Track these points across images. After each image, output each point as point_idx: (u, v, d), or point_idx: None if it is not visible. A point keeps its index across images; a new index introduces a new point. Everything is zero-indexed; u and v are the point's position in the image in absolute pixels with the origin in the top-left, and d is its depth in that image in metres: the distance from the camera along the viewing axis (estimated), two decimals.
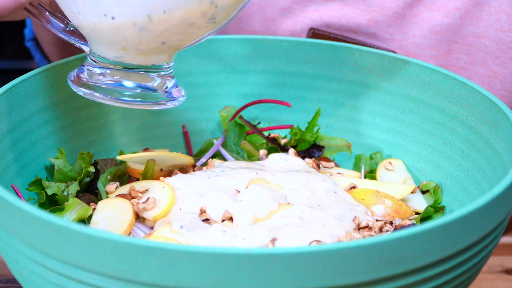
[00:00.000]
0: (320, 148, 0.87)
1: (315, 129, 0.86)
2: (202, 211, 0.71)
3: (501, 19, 0.95)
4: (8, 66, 1.94)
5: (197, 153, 0.89)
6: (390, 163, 0.83)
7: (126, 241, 0.53)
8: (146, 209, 0.71)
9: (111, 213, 0.71)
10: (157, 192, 0.73)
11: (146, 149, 0.86)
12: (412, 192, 0.79)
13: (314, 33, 0.99)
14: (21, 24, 1.17)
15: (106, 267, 0.55)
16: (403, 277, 0.56)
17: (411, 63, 0.82)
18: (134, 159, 0.78)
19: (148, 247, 0.53)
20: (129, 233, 0.70)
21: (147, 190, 0.74)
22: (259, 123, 0.88)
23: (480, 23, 0.96)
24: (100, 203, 0.73)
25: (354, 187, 0.78)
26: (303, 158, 0.85)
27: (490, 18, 0.95)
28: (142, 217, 0.72)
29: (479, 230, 0.59)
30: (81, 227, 0.54)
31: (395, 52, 0.98)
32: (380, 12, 0.97)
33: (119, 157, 0.78)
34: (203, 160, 0.86)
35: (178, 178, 0.76)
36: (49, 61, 1.11)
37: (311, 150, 0.87)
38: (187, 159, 0.82)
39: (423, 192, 0.80)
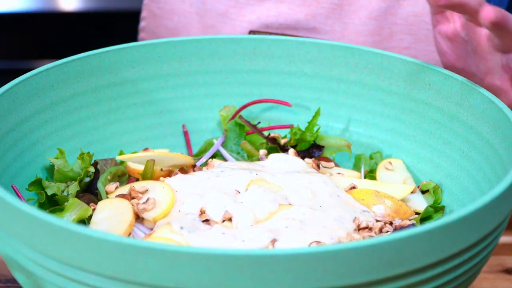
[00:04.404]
0: (320, 148, 0.87)
1: (315, 128, 0.86)
2: (202, 212, 0.71)
3: None
4: (8, 66, 1.94)
5: (197, 153, 0.89)
6: (390, 163, 0.83)
7: (126, 242, 0.53)
8: (146, 209, 0.71)
9: (111, 214, 0.71)
10: (157, 192, 0.73)
11: (146, 149, 0.86)
12: (412, 192, 0.79)
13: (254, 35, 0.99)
14: (20, 24, 1.17)
15: (105, 268, 0.55)
16: (403, 278, 0.56)
17: (411, 62, 0.82)
18: (134, 159, 0.78)
19: (147, 248, 0.53)
20: (129, 234, 0.70)
21: (147, 190, 0.74)
22: (259, 123, 0.88)
23: (419, 1, 0.96)
24: (100, 203, 0.73)
25: (354, 187, 0.78)
26: (303, 158, 0.85)
27: None
28: (142, 218, 0.72)
29: (479, 230, 0.59)
30: (80, 228, 0.54)
31: None
32: (317, 5, 0.97)
33: (119, 157, 0.78)
34: (203, 160, 0.85)
35: (178, 179, 0.76)
36: None
37: (311, 150, 0.87)
38: (187, 159, 0.82)
39: (423, 192, 0.80)
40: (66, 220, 0.59)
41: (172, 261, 0.53)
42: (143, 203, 0.71)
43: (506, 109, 0.72)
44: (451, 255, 0.57)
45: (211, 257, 0.52)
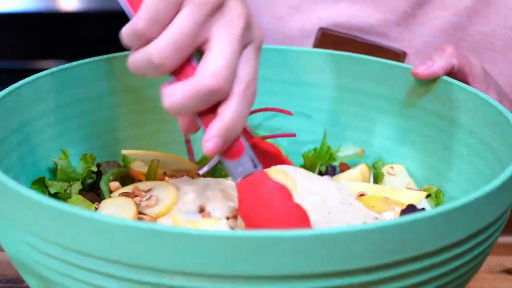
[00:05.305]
0: (334, 167, 0.86)
1: (325, 149, 0.87)
2: (202, 209, 0.71)
3: (509, 18, 0.97)
4: (8, 66, 1.96)
5: (199, 161, 0.89)
6: (392, 167, 0.83)
7: (130, 225, 0.53)
8: (149, 205, 0.71)
9: (114, 211, 0.71)
10: (161, 190, 0.73)
11: None
12: None
13: (323, 33, 1.00)
14: (20, 24, 1.19)
15: (109, 252, 0.55)
16: (402, 264, 0.56)
17: (410, 70, 0.83)
18: (139, 155, 0.79)
19: (151, 230, 0.53)
20: None
21: (150, 189, 0.74)
22: (258, 134, 0.88)
23: (488, 21, 0.98)
24: (103, 202, 0.73)
25: (363, 194, 0.78)
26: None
27: (498, 17, 0.97)
28: (143, 217, 0.72)
29: (482, 218, 0.59)
30: (84, 212, 0.54)
31: (404, 52, 0.99)
32: (391, 12, 0.98)
33: (123, 151, 0.79)
34: (205, 168, 0.86)
35: (181, 180, 0.76)
36: None
37: (327, 173, 0.86)
38: (191, 165, 0.82)
39: (425, 197, 0.80)
40: (71, 206, 0.59)
41: (176, 243, 0.53)
42: (146, 199, 0.72)
43: (506, 112, 0.73)
44: (454, 242, 0.57)
45: (215, 239, 0.52)
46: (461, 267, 0.60)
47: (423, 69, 0.81)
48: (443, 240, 0.57)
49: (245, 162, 0.65)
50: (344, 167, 0.85)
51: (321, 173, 0.87)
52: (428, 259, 0.57)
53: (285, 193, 0.65)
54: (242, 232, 0.53)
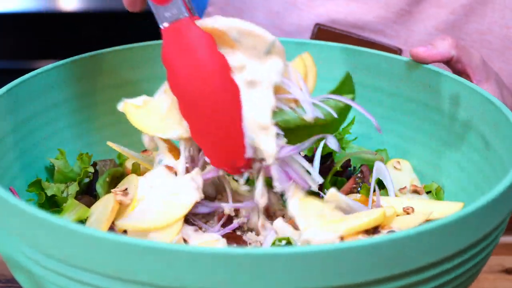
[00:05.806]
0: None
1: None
2: None
3: (506, 16, 0.96)
4: (8, 66, 1.95)
5: None
6: (398, 162, 0.83)
7: (125, 241, 0.53)
8: (125, 200, 0.71)
9: (101, 210, 0.71)
10: (131, 184, 0.74)
11: (144, 151, 0.86)
12: (419, 194, 0.79)
13: (320, 29, 0.99)
14: (20, 24, 1.18)
15: (106, 267, 0.55)
16: (402, 278, 0.56)
17: (410, 64, 0.83)
18: (123, 152, 0.79)
19: (147, 247, 0.53)
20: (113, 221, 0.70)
21: (126, 188, 0.74)
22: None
23: (485, 20, 0.97)
24: (92, 207, 0.73)
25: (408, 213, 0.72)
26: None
27: (495, 15, 0.97)
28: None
29: (478, 231, 0.58)
30: (80, 227, 0.54)
31: (400, 49, 0.98)
32: (387, 9, 0.98)
33: (109, 143, 0.79)
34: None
35: None
36: None
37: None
38: None
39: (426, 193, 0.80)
40: (65, 219, 0.59)
41: (172, 260, 0.53)
42: (122, 195, 0.72)
43: (505, 109, 0.72)
44: (450, 255, 0.57)
45: (211, 256, 0.52)
46: (461, 276, 0.60)
47: (424, 51, 0.80)
48: (443, 252, 0.57)
49: (173, 7, 0.67)
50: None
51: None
52: (428, 271, 0.57)
53: (209, 41, 0.67)
54: (237, 249, 0.53)
